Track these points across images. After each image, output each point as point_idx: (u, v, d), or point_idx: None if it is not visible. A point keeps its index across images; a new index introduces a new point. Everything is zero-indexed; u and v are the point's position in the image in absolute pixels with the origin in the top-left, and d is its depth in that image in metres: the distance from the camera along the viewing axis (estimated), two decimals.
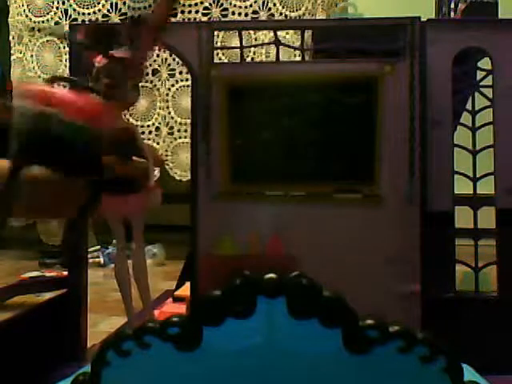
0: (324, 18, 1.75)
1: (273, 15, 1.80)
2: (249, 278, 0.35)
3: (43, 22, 1.85)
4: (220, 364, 0.36)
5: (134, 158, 0.66)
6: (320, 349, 0.35)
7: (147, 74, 1.74)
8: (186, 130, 1.81)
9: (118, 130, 0.64)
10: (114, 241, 0.69)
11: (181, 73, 1.79)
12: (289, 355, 0.36)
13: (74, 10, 1.83)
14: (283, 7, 1.80)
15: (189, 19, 1.81)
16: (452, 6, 1.09)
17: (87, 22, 1.78)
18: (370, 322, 0.35)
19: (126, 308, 0.69)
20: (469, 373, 0.47)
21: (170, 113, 1.81)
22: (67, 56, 0.92)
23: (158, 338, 0.36)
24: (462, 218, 0.86)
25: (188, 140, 1.63)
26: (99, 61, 0.63)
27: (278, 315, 0.35)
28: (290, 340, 0.36)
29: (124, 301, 0.68)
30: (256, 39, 1.75)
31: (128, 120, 0.61)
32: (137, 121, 1.77)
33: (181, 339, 0.36)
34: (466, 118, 0.88)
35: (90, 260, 1.15)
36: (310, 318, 0.35)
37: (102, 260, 1.79)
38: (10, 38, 1.90)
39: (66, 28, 1.79)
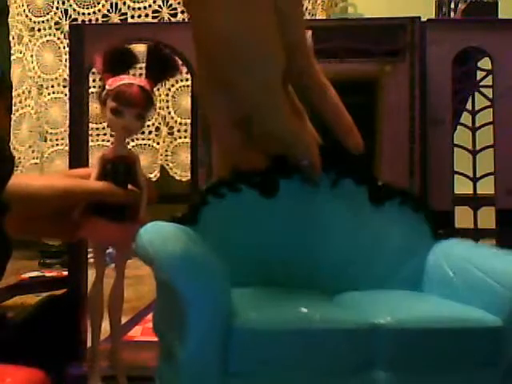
0: (324, 17, 1.75)
1: None
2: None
3: (43, 21, 1.85)
4: (291, 208, 0.49)
5: (130, 187, 0.65)
6: (352, 201, 0.50)
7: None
8: (185, 130, 1.81)
9: (118, 157, 0.64)
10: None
11: (181, 73, 1.79)
12: (333, 202, 0.50)
13: (74, 10, 1.83)
14: None
15: (189, 19, 1.81)
16: (452, 5, 1.09)
17: (87, 22, 1.78)
18: (384, 182, 0.51)
19: (91, 335, 0.67)
20: None
21: (170, 113, 1.82)
22: (67, 56, 0.92)
23: (246, 185, 0.48)
24: (462, 218, 0.86)
25: (188, 140, 1.63)
26: (110, 84, 0.62)
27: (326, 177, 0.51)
28: (331, 193, 0.51)
29: (91, 329, 0.66)
30: None
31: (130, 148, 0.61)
32: None
33: (262, 186, 0.49)
34: (465, 117, 0.88)
35: (90, 260, 1.15)
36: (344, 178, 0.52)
37: None
38: (10, 38, 1.90)
39: (66, 28, 1.80)
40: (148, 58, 0.66)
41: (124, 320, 1.09)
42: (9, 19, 1.89)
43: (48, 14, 1.85)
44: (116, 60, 0.63)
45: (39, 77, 1.86)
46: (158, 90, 1.78)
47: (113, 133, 0.65)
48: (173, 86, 1.80)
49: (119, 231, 0.63)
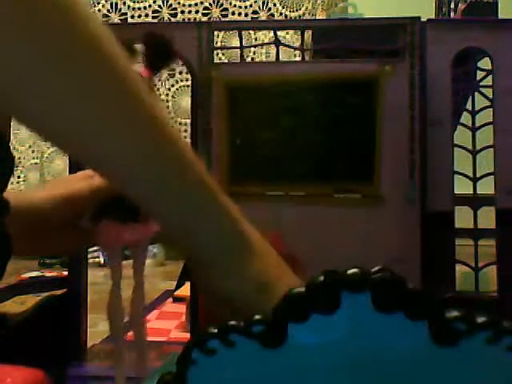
0: (324, 18, 1.75)
1: (273, 15, 1.80)
2: (333, 274, 0.36)
3: None
4: (305, 360, 0.36)
5: None
6: (406, 342, 0.36)
7: None
8: (186, 130, 1.81)
9: None
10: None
11: (181, 73, 1.79)
12: (374, 350, 0.36)
13: None
14: (283, 7, 1.80)
15: (189, 19, 1.81)
16: (452, 6, 1.09)
17: None
18: (456, 313, 0.35)
19: (115, 349, 0.64)
20: None
21: (170, 113, 1.82)
22: None
23: (243, 336, 0.36)
24: (462, 218, 0.86)
25: (188, 140, 1.63)
26: None
27: (362, 310, 0.35)
28: (375, 334, 0.36)
29: (114, 342, 0.63)
30: (256, 39, 1.75)
31: None
32: None
33: (266, 336, 0.36)
34: (466, 117, 0.88)
35: (90, 260, 1.15)
36: (395, 312, 0.35)
37: (101, 260, 1.79)
38: None
39: None
40: (144, 46, 0.64)
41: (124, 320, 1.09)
42: None
43: None
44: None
45: None
46: (159, 90, 1.78)
47: None
48: (173, 86, 1.80)
49: (133, 233, 0.59)
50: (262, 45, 1.71)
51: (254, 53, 1.77)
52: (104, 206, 0.60)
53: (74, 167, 0.87)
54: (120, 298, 0.61)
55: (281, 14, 1.79)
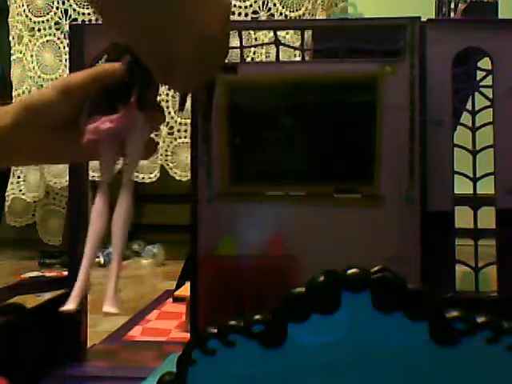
0: (324, 18, 1.75)
1: (273, 15, 1.80)
2: (333, 274, 0.36)
3: (43, 21, 1.85)
4: (305, 360, 0.37)
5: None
6: (406, 342, 0.36)
7: None
8: (186, 130, 1.81)
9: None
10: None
11: None
12: (374, 349, 0.37)
13: (74, 10, 1.83)
14: (283, 7, 1.80)
15: None
16: (452, 5, 1.09)
17: (87, 22, 1.78)
18: (456, 313, 0.36)
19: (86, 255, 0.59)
20: None
21: (170, 113, 1.81)
22: (67, 56, 0.92)
23: (243, 336, 0.37)
24: (462, 218, 0.86)
25: (188, 140, 1.63)
26: None
27: (362, 310, 0.36)
28: (375, 334, 0.36)
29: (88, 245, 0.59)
30: (256, 39, 1.75)
31: None
32: None
33: (266, 336, 0.37)
34: (466, 117, 0.88)
35: None
36: (395, 312, 0.36)
37: (101, 260, 1.79)
38: (10, 38, 1.90)
39: (66, 28, 1.80)
40: None
41: (124, 320, 1.10)
42: (9, 19, 1.89)
43: (48, 14, 1.84)
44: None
45: (39, 77, 1.86)
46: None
47: None
48: None
49: (116, 119, 0.56)
50: (262, 45, 1.71)
51: (254, 53, 1.77)
52: (97, 99, 0.59)
53: (74, 167, 0.87)
54: (107, 198, 0.57)
55: (281, 13, 1.79)
